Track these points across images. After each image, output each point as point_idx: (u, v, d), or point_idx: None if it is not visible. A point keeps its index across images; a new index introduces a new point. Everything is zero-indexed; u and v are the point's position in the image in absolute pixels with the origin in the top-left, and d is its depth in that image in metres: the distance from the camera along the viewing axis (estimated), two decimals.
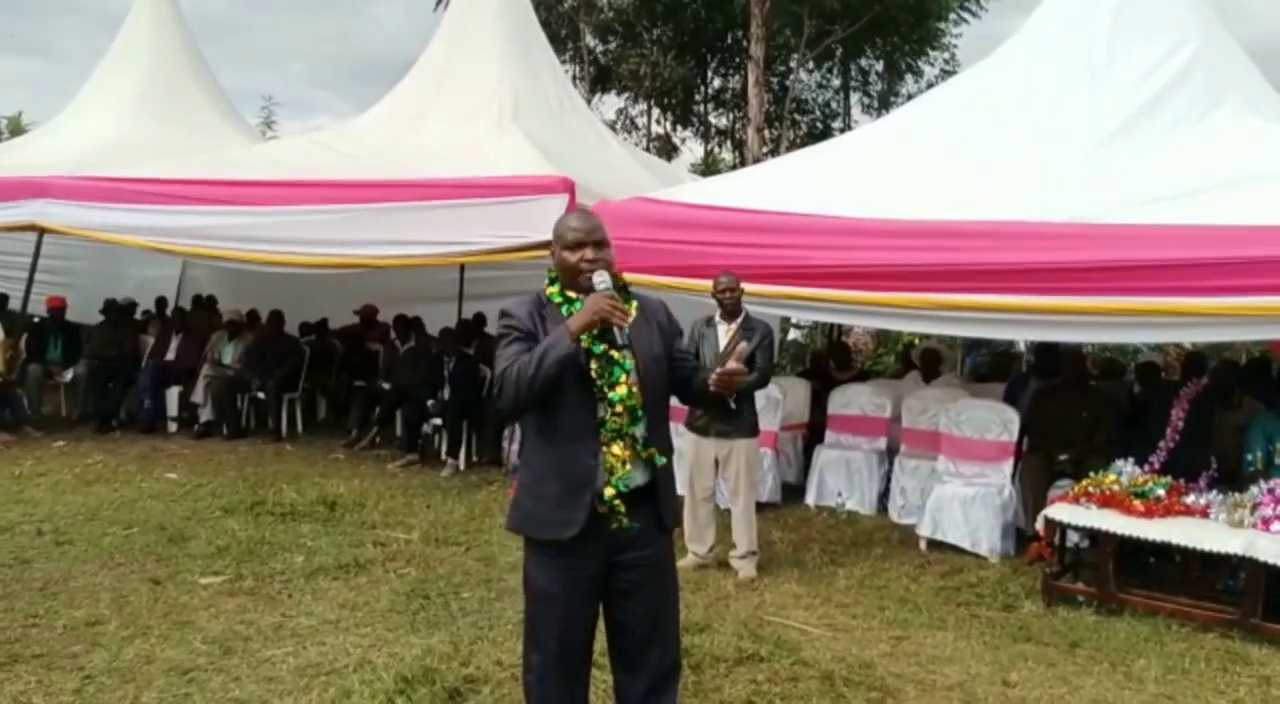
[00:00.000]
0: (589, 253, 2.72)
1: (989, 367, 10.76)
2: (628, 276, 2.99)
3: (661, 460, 2.76)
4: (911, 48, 22.84)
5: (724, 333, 5.68)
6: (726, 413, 5.53)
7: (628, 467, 2.67)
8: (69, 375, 10.03)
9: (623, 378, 2.67)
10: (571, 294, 2.78)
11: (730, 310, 5.68)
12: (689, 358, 2.99)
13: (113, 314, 10.49)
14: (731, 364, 2.73)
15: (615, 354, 2.67)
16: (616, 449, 2.66)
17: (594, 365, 2.66)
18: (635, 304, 2.80)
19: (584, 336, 2.62)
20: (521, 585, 2.88)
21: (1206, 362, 7.11)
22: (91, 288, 11.33)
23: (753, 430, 5.75)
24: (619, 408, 2.66)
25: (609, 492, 2.65)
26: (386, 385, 9.73)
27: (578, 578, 2.73)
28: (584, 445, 2.67)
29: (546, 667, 2.79)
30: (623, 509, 2.66)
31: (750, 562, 5.70)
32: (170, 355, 10.12)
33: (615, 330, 2.63)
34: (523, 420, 2.88)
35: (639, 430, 2.69)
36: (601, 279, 2.68)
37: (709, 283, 5.72)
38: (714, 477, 5.76)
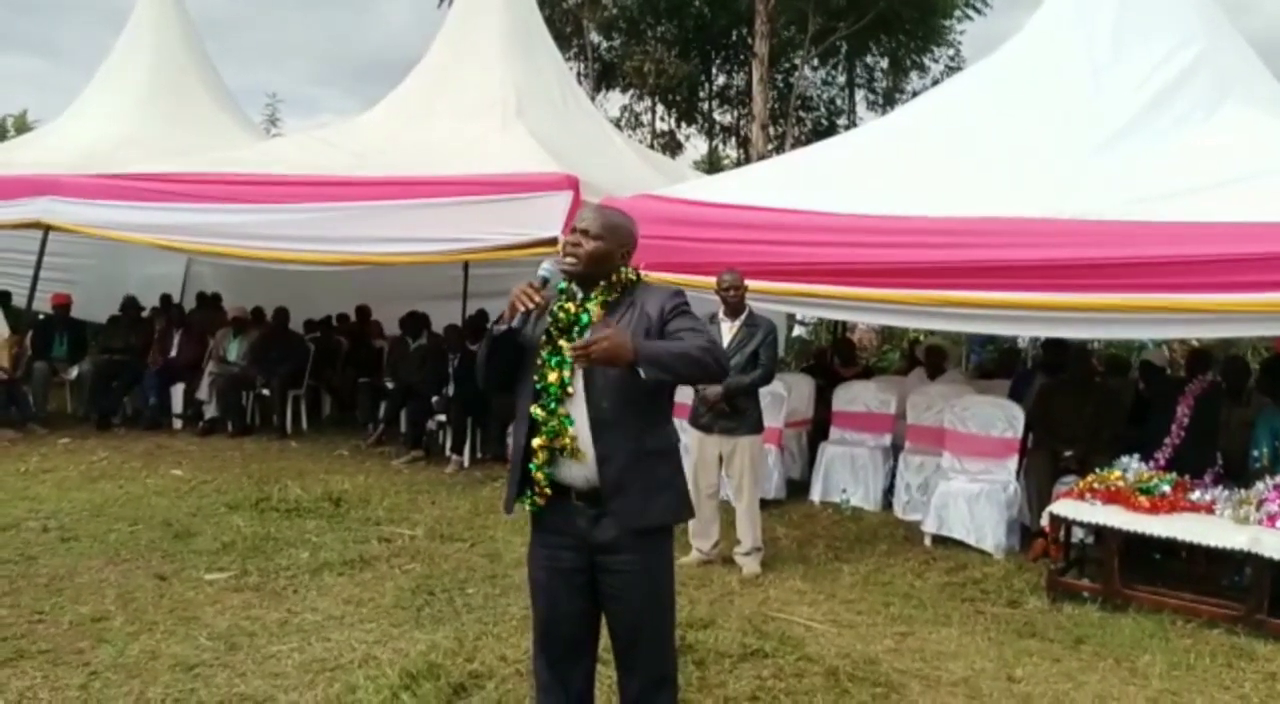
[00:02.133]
0: (574, 236, 2.77)
1: (995, 363, 10.75)
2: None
3: (580, 455, 2.68)
4: (916, 44, 22.79)
5: (727, 330, 5.69)
6: (730, 409, 5.55)
7: (544, 455, 2.71)
8: (74, 372, 10.05)
9: (553, 368, 2.71)
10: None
11: (733, 307, 5.69)
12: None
13: (130, 310, 10.54)
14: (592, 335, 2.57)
15: (564, 343, 2.69)
16: (541, 435, 2.71)
17: (540, 353, 2.73)
18: (596, 296, 2.75)
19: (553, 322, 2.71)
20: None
21: (1211, 358, 7.10)
22: (96, 285, 11.36)
23: (757, 427, 5.75)
24: (547, 396, 2.71)
25: (533, 471, 2.73)
26: (390, 383, 9.76)
27: (559, 569, 2.78)
28: (524, 429, 2.76)
29: (541, 657, 2.86)
30: (536, 498, 2.75)
31: (754, 558, 5.70)
32: (173, 352, 10.13)
33: (517, 316, 2.65)
34: None
35: (560, 422, 2.69)
36: (544, 267, 2.75)
37: (713, 279, 5.72)
38: (718, 473, 5.76)
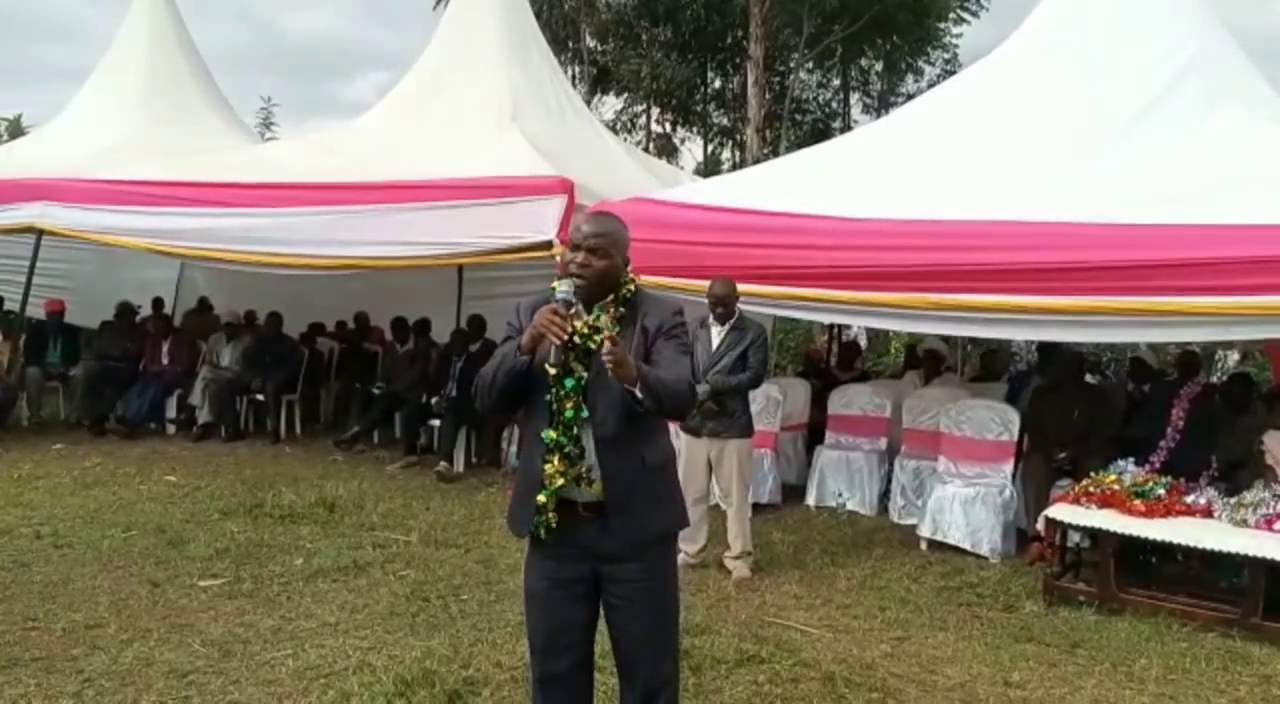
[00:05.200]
0: (581, 257, 2.67)
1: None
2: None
3: (593, 483, 2.67)
4: (911, 47, 22.85)
5: (717, 334, 5.70)
6: (718, 410, 5.54)
7: (560, 480, 2.65)
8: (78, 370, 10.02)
9: (570, 393, 2.63)
10: None
11: (722, 316, 5.70)
12: (659, 362, 2.71)
13: (125, 316, 10.53)
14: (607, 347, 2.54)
15: (576, 366, 2.63)
16: (555, 460, 2.65)
17: (550, 376, 2.63)
18: (602, 316, 2.69)
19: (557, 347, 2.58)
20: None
21: (1200, 360, 7.14)
22: (90, 290, 11.32)
23: (746, 430, 5.74)
24: (562, 421, 2.64)
25: (540, 498, 2.65)
26: (376, 389, 9.78)
27: (561, 580, 2.74)
28: (540, 450, 2.68)
29: (538, 669, 2.80)
30: (549, 519, 2.67)
31: (745, 563, 5.69)
32: (164, 360, 10.10)
33: (551, 349, 2.57)
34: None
35: (577, 448, 2.66)
36: (562, 290, 2.62)
37: (706, 284, 5.72)
38: (707, 477, 5.74)
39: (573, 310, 2.61)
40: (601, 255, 2.68)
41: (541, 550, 2.76)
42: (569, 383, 2.64)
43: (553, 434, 2.65)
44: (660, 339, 2.73)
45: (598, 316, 2.69)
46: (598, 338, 2.60)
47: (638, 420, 2.68)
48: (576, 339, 2.59)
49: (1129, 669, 4.39)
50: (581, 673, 2.84)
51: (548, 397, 2.65)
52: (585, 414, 2.66)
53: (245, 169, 8.66)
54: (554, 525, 2.68)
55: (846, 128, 22.74)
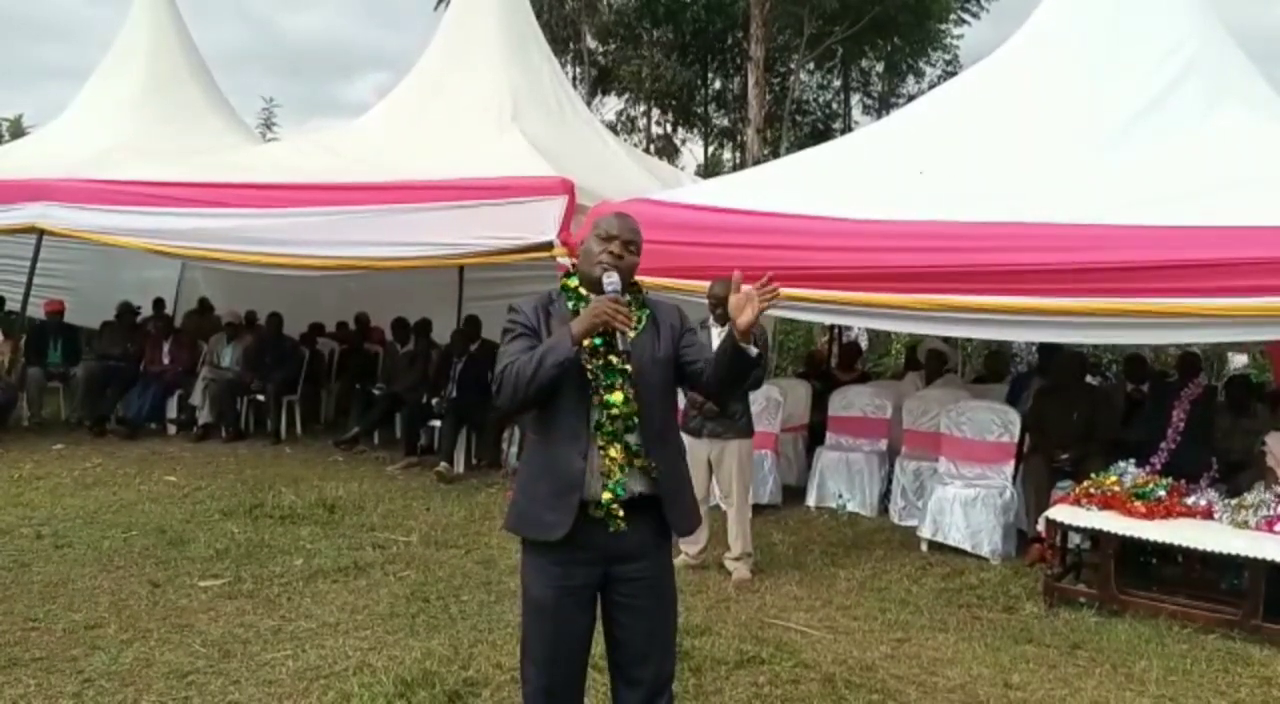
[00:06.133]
0: (616, 247, 2.68)
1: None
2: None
3: (656, 472, 2.66)
4: (912, 48, 22.87)
5: (716, 335, 5.67)
6: (719, 411, 5.53)
7: (625, 472, 2.62)
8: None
9: (619, 383, 2.63)
10: (583, 291, 2.74)
11: (723, 317, 5.70)
12: (702, 351, 2.85)
13: (126, 316, 10.56)
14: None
15: (614, 359, 2.63)
16: (613, 453, 2.62)
17: (591, 368, 2.62)
18: (646, 311, 2.77)
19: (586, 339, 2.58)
20: (520, 592, 2.85)
21: (1200, 361, 7.14)
22: (89, 290, 11.34)
23: (746, 431, 5.73)
24: (615, 412, 2.62)
25: (606, 496, 2.60)
26: (377, 390, 9.79)
27: (571, 587, 2.68)
28: (575, 448, 2.62)
29: (540, 680, 2.74)
30: (620, 514, 2.62)
31: (744, 564, 5.68)
32: (165, 360, 10.12)
33: (618, 336, 2.58)
34: (522, 419, 2.87)
35: (634, 437, 2.64)
36: (611, 281, 2.62)
37: (706, 285, 5.72)
38: (707, 478, 5.73)
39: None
40: (635, 251, 2.73)
41: (550, 556, 2.67)
42: (611, 376, 2.63)
43: (608, 427, 2.62)
44: (686, 335, 2.84)
45: (630, 303, 2.69)
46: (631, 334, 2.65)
47: (671, 412, 2.76)
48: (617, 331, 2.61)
49: (1129, 671, 4.38)
50: (581, 680, 2.82)
51: (594, 385, 2.63)
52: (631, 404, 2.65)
53: (245, 169, 8.67)
54: (623, 523, 2.62)
55: (847, 129, 22.76)
